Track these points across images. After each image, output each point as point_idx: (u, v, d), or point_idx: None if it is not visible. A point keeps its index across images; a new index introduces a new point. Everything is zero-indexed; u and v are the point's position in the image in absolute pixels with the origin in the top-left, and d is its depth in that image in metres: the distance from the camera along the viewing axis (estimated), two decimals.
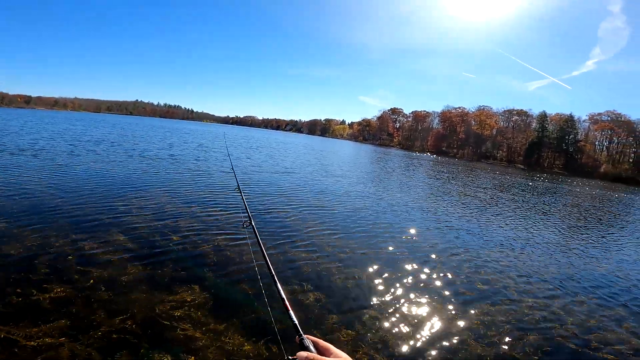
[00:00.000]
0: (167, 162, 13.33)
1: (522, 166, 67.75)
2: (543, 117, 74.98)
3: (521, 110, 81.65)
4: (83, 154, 12.88)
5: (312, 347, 0.74)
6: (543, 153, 73.04)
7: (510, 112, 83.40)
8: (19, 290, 3.20)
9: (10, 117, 39.50)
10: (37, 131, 21.62)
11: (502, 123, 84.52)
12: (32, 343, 2.56)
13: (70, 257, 3.97)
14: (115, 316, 2.99)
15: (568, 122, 70.22)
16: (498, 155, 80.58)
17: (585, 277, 5.66)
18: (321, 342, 0.75)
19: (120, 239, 4.70)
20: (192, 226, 5.63)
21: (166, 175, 10.15)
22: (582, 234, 9.32)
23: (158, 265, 4.05)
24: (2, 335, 2.59)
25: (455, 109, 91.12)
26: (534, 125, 77.66)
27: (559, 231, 9.26)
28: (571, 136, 69.68)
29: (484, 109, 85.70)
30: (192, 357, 2.62)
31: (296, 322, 0.86)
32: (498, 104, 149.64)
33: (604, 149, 69.75)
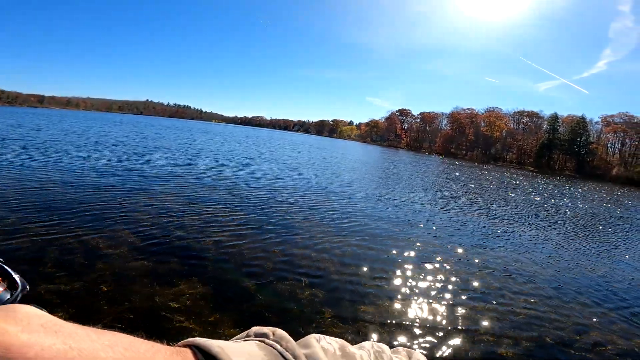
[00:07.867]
0: (176, 161, 13.62)
1: (532, 168, 66.81)
2: (554, 118, 73.85)
3: (532, 111, 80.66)
4: (92, 153, 13.25)
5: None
6: (554, 155, 71.94)
7: (520, 114, 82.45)
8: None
9: (32, 117, 40.49)
10: (57, 130, 22.20)
11: (512, 125, 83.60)
12: None
13: (76, 251, 4.17)
14: (117, 306, 3.17)
15: (580, 124, 68.97)
16: (508, 157, 79.70)
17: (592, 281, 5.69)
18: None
19: (125, 234, 4.91)
20: (195, 222, 5.83)
21: (174, 174, 10.41)
22: (594, 239, 9.28)
23: (160, 259, 4.24)
24: None
25: (465, 110, 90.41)
26: (544, 127, 76.62)
27: (570, 234, 9.23)
28: (583, 138, 68.39)
29: (493, 110, 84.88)
30: None
31: None
32: (507, 105, 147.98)
33: (617, 151, 68.46)
